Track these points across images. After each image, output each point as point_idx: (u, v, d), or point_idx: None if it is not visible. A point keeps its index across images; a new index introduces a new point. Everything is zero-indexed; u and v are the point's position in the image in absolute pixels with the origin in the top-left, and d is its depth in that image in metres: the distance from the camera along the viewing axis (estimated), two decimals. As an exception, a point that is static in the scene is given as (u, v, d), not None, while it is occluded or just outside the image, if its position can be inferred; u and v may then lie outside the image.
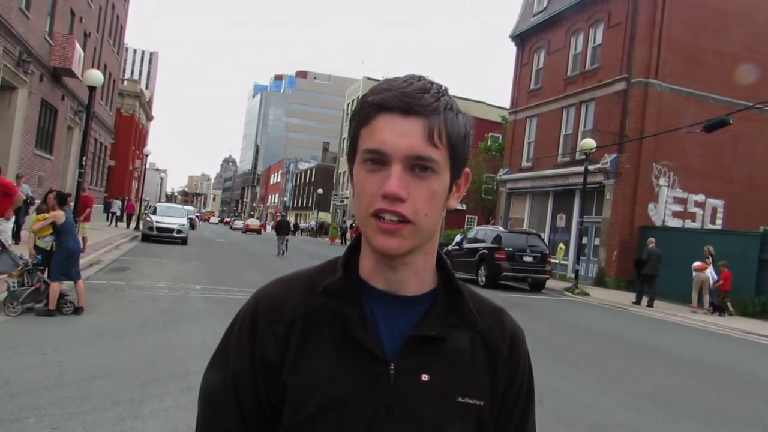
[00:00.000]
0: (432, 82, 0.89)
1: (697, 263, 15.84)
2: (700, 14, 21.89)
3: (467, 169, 0.95)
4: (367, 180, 0.86)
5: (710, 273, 15.51)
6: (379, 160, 0.85)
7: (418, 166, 0.85)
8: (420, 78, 0.89)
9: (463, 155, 0.91)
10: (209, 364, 0.97)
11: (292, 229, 36.79)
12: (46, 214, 8.11)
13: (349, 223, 47.19)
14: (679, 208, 21.96)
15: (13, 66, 17.03)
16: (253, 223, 60.96)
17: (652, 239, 17.76)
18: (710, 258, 15.75)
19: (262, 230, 58.18)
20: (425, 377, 0.89)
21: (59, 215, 7.92)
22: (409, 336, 0.90)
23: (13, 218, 10.66)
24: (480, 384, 0.93)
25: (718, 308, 15.37)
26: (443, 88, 0.90)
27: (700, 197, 22.24)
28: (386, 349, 0.89)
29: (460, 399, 0.90)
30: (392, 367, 0.88)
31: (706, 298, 15.76)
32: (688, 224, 21.81)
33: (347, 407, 0.86)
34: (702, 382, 7.45)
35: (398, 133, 0.84)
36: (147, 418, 4.23)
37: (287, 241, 25.42)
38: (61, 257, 7.76)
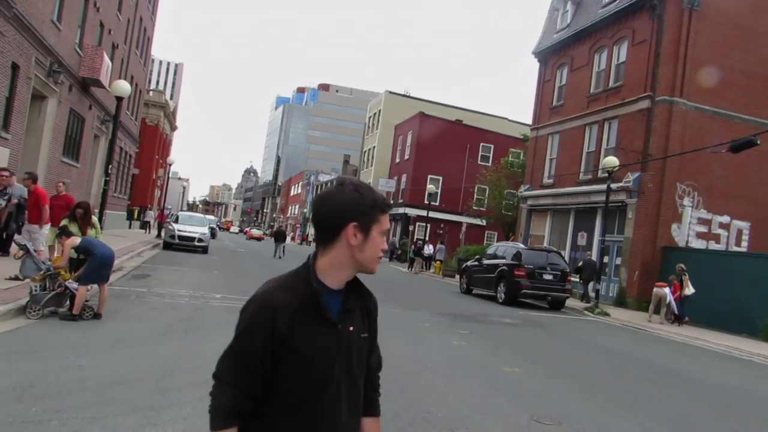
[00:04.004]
0: None
1: (659, 283, 17.47)
2: (727, 33, 21.69)
3: None
4: (380, 241, 1.69)
5: (668, 290, 16.81)
6: (384, 233, 1.70)
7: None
8: None
9: None
10: (238, 335, 1.61)
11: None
12: (63, 247, 8.15)
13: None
14: (703, 229, 21.63)
15: (44, 76, 17.45)
16: (256, 232, 70.02)
17: (590, 252, 22.07)
18: (686, 274, 16.98)
19: (263, 238, 65.47)
20: (351, 328, 1.68)
21: (74, 242, 8.03)
22: (344, 308, 1.68)
23: (47, 226, 10.76)
24: (365, 326, 1.76)
25: (677, 318, 16.70)
26: None
27: (725, 219, 21.89)
28: (334, 318, 1.64)
29: (362, 335, 1.73)
30: (339, 326, 1.65)
31: (663, 311, 16.86)
32: (713, 246, 21.45)
33: (323, 351, 1.60)
34: (725, 409, 7.28)
35: (388, 221, 1.72)
36: (166, 425, 4.26)
37: (284, 246, 30.86)
38: (95, 265, 7.89)
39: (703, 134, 20.78)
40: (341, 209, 1.63)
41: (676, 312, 16.76)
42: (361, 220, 1.63)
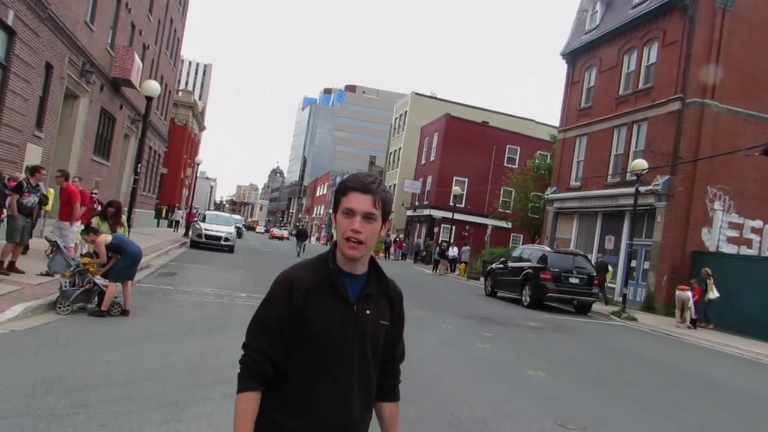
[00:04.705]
0: (376, 177, 1.79)
1: (681, 286, 17.37)
2: (762, 33, 21.19)
3: (391, 217, 1.86)
4: (344, 221, 1.74)
5: (689, 294, 16.70)
6: (351, 213, 1.73)
7: (368, 217, 1.73)
8: (371, 175, 1.79)
9: (388, 211, 1.80)
10: (261, 304, 1.80)
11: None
12: (97, 246, 8.26)
13: (393, 237, 47.10)
14: (734, 233, 21.14)
15: (77, 76, 17.79)
16: (278, 231, 71.22)
17: (601, 254, 22.64)
18: (711, 278, 16.75)
19: (284, 238, 65.71)
20: (368, 311, 1.79)
21: (105, 239, 8.15)
22: (363, 292, 1.79)
23: (78, 223, 11.00)
24: (386, 313, 1.86)
25: (692, 322, 16.58)
26: (381, 180, 1.82)
27: (758, 223, 21.39)
28: (352, 299, 1.76)
29: (381, 321, 1.83)
30: (355, 307, 1.76)
31: (687, 315, 16.66)
32: (744, 251, 20.95)
33: (335, 325, 1.73)
34: (756, 418, 7.11)
35: (360, 201, 1.73)
36: (190, 422, 4.31)
37: (305, 245, 32.49)
38: (126, 263, 8.07)
39: (735, 137, 20.34)
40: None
41: (693, 316, 16.61)
42: (334, 207, 1.82)
